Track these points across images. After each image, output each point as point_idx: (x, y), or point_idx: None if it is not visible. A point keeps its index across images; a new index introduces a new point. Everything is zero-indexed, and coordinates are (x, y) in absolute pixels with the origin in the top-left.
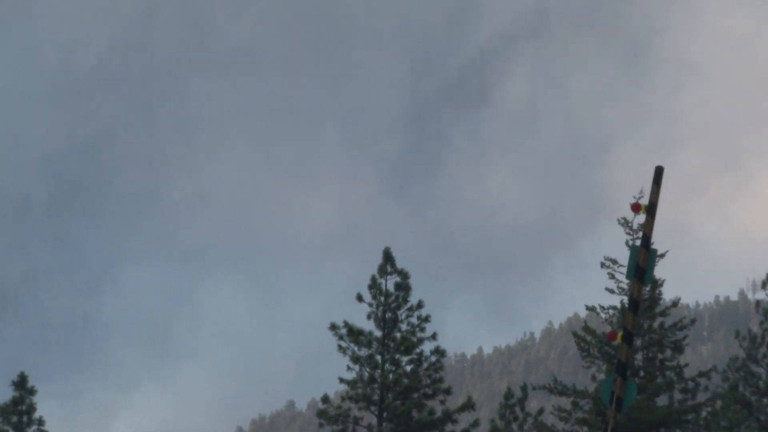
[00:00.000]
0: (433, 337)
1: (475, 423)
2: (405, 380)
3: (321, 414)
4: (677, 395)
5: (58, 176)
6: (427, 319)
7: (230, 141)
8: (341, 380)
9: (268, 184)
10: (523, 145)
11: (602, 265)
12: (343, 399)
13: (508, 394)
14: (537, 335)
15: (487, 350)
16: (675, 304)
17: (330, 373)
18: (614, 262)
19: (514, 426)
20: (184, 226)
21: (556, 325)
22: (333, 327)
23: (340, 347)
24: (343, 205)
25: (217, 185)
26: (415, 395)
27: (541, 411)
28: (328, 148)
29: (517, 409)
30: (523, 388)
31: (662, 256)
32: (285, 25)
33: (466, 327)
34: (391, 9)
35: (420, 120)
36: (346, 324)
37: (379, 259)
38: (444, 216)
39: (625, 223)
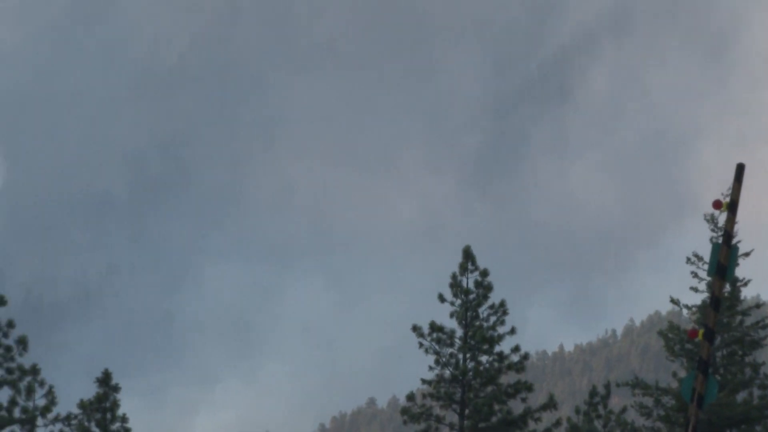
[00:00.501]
0: (512, 332)
1: (558, 423)
2: (486, 378)
3: (405, 412)
4: (756, 392)
5: (140, 173)
6: (505, 312)
7: (313, 137)
8: (423, 381)
9: (351, 180)
10: (605, 141)
11: (688, 260)
12: (424, 397)
13: (593, 392)
14: (618, 332)
15: (568, 347)
16: (758, 305)
17: (411, 370)
18: (699, 258)
19: (597, 424)
20: (267, 223)
21: (638, 323)
22: (414, 328)
23: (421, 345)
24: (425, 202)
25: (299, 182)
26: (497, 393)
27: (624, 409)
28: (411, 144)
29: (600, 407)
30: (606, 386)
31: (747, 255)
32: (367, 22)
33: (548, 324)
34: (473, 5)
35: (502, 116)
36: (431, 324)
37: (460, 255)
38: (526, 212)
39: (711, 220)
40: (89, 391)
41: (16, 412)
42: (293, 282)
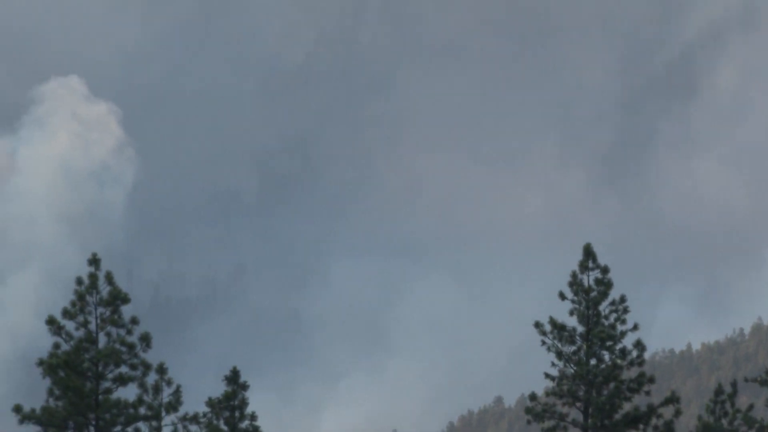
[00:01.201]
0: (635, 328)
1: (677, 413)
2: (608, 375)
3: (529, 411)
4: None
5: (267, 171)
6: (626, 309)
7: (440, 134)
8: (546, 375)
9: (479, 176)
10: (732, 136)
11: None
12: (548, 395)
13: (719, 390)
14: (746, 331)
15: (696, 346)
16: None
17: (540, 368)
18: None
19: (724, 422)
20: (394, 219)
21: (766, 321)
22: (537, 325)
23: (543, 343)
24: (553, 197)
25: (427, 178)
26: (619, 389)
27: (751, 407)
28: (537, 141)
29: (727, 405)
30: (733, 384)
31: None
32: (492, 20)
33: (675, 323)
34: (598, 3)
35: (629, 113)
36: (550, 320)
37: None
38: (654, 208)
39: None
40: (217, 389)
41: (142, 410)
42: (421, 278)
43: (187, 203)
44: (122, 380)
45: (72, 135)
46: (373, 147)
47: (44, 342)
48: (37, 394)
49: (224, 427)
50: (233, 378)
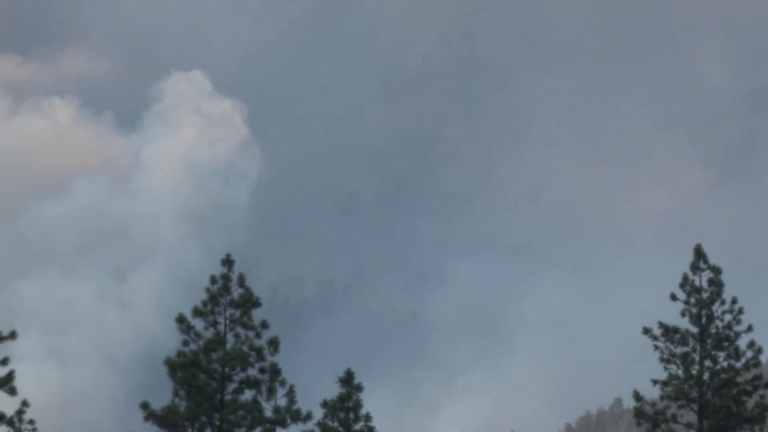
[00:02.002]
0: (749, 329)
1: None
2: (723, 376)
3: (638, 414)
4: None
5: (385, 172)
6: (741, 310)
7: (560, 133)
8: (655, 382)
9: (600, 174)
10: None
11: None
12: (661, 398)
13: None
14: None
15: None
16: None
17: (657, 369)
18: None
19: None
20: (513, 219)
21: None
22: (646, 331)
23: (656, 347)
24: (675, 195)
25: (546, 177)
26: (734, 391)
27: None
28: (658, 139)
29: None
30: None
31: None
32: (611, 17)
33: None
34: (716, 2)
35: (752, 111)
36: (660, 324)
37: (711, 250)
38: None
39: None
40: (333, 390)
41: (268, 413)
42: (540, 277)
43: (306, 204)
44: (249, 383)
45: (196, 131)
46: (492, 147)
47: (167, 340)
48: (155, 392)
49: (340, 429)
50: (347, 380)
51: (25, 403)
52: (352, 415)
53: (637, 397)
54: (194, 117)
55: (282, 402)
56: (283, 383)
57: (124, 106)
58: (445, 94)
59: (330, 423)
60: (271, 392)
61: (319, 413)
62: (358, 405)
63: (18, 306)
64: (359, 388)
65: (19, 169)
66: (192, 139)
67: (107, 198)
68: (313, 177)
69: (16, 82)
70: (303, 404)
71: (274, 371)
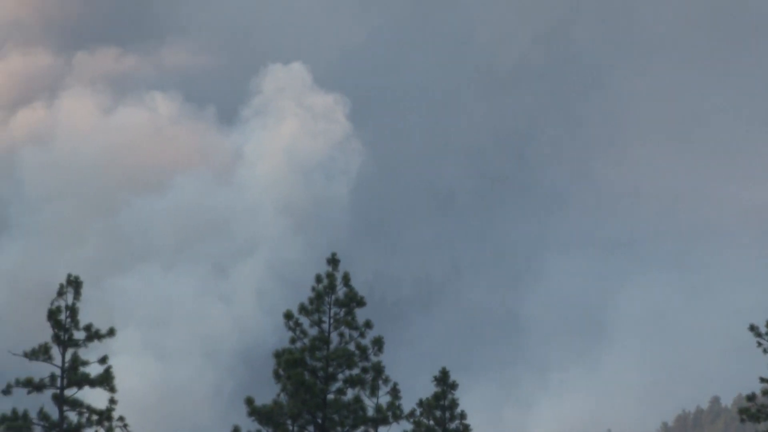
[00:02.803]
0: None
1: None
2: None
3: (743, 411)
4: None
5: (481, 171)
6: None
7: (656, 130)
8: (762, 380)
9: (696, 172)
10: None
11: None
12: (765, 394)
13: None
14: None
15: None
16: None
17: (759, 367)
18: None
19: None
20: (610, 216)
21: None
22: (752, 328)
23: (759, 344)
24: None
25: (643, 174)
26: None
27: None
28: (756, 135)
29: None
30: None
31: None
32: (707, 14)
33: None
34: None
35: None
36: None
37: None
38: None
39: None
40: (428, 389)
41: (370, 412)
42: (638, 274)
43: (403, 201)
44: (353, 382)
45: (298, 125)
46: (588, 144)
47: (267, 337)
48: (254, 388)
49: (436, 428)
50: (443, 378)
51: (113, 401)
52: (447, 414)
53: (750, 398)
54: (295, 110)
55: (385, 400)
56: (386, 381)
57: (225, 99)
58: (541, 93)
59: (426, 422)
60: (375, 390)
61: (416, 412)
62: (453, 403)
63: (117, 302)
64: (454, 386)
65: (120, 163)
66: (293, 133)
67: (208, 193)
68: (411, 174)
69: (116, 75)
70: (403, 402)
71: (378, 370)
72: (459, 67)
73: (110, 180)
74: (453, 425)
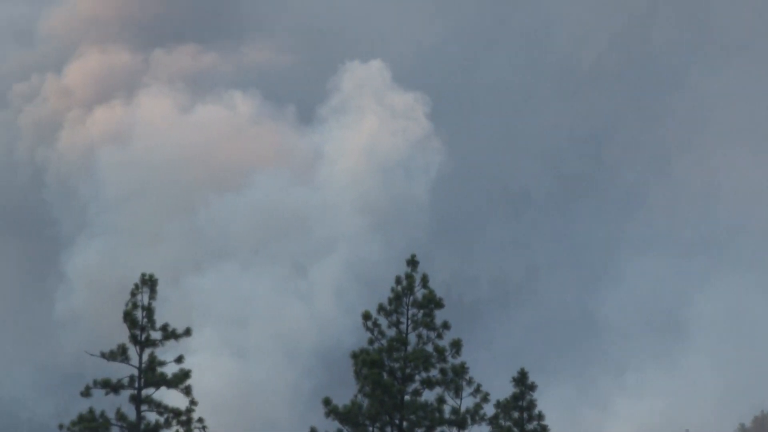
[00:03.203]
0: None
1: None
2: None
3: None
4: None
5: (557, 171)
6: None
7: (736, 130)
8: None
9: None
10: None
11: None
12: None
13: None
14: None
15: None
16: None
17: None
18: None
19: None
20: (690, 216)
21: None
22: None
23: None
24: None
25: (723, 174)
26: None
27: None
28: None
29: None
30: None
31: None
32: None
33: None
34: None
35: None
36: None
37: None
38: None
39: None
40: (507, 390)
41: (446, 413)
42: (718, 275)
43: (481, 202)
44: (430, 383)
45: (378, 123)
46: (667, 144)
47: (346, 336)
48: (332, 387)
49: (514, 429)
50: (521, 379)
51: (193, 402)
52: (525, 415)
53: None
54: (375, 108)
55: (466, 402)
56: (470, 382)
57: (304, 98)
58: (618, 93)
59: (503, 423)
60: (458, 391)
61: (489, 411)
62: (531, 404)
63: (196, 300)
64: (533, 387)
65: (198, 162)
66: (373, 132)
67: (287, 191)
68: (488, 174)
69: (194, 72)
70: (473, 403)
71: (457, 372)
72: (536, 66)
73: (188, 179)
74: (531, 426)
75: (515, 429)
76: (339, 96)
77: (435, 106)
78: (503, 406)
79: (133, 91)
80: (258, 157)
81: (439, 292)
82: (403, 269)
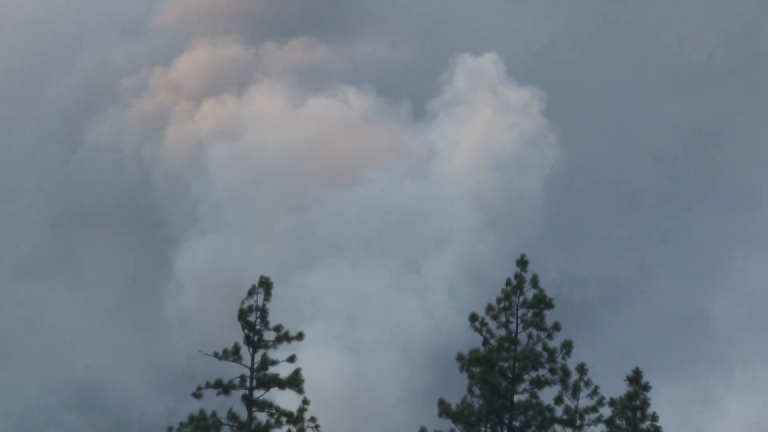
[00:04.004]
0: None
1: None
2: None
3: None
4: None
5: (669, 170)
6: None
7: None
8: None
9: None
10: None
11: None
12: None
13: None
14: None
15: None
16: None
17: None
18: None
19: None
20: None
21: None
22: None
23: None
24: None
25: None
26: None
27: None
28: None
29: None
30: None
31: None
32: None
33: None
34: None
35: None
36: None
37: None
38: None
39: None
40: (618, 389)
41: (558, 413)
42: None
43: (593, 200)
44: (540, 383)
45: (492, 118)
46: None
47: (459, 335)
48: (445, 387)
49: (627, 428)
50: (635, 378)
51: (305, 402)
52: (639, 414)
53: None
54: (489, 102)
55: (585, 402)
56: (588, 384)
57: (417, 92)
58: (730, 91)
59: (618, 422)
60: (576, 391)
61: (606, 412)
62: (645, 404)
63: (307, 297)
64: (647, 387)
65: (310, 158)
66: (487, 126)
67: (400, 187)
68: (599, 172)
69: (307, 66)
70: (588, 404)
71: (566, 373)
72: (648, 64)
73: (300, 175)
74: (644, 425)
75: (628, 428)
76: (452, 90)
77: (550, 102)
78: (617, 405)
79: (244, 85)
80: (370, 153)
81: (550, 290)
82: (514, 267)
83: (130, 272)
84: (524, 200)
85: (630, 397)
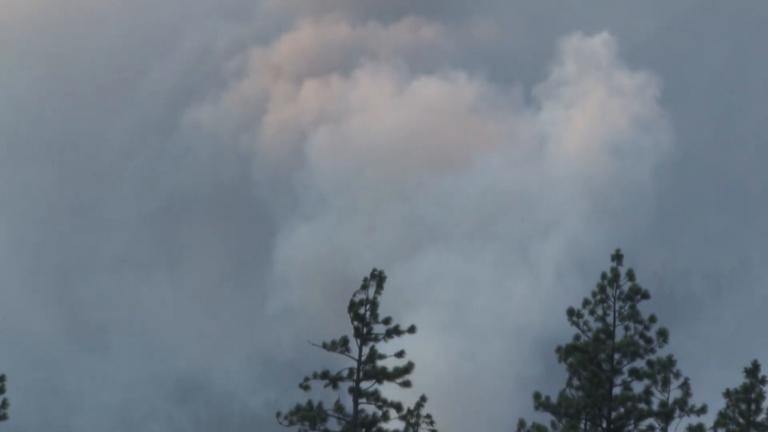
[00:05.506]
0: None
1: None
2: None
3: None
4: None
5: None
6: None
7: None
8: None
9: None
10: None
11: None
12: None
13: None
14: None
15: None
16: None
17: None
18: None
19: None
20: None
21: None
22: None
23: None
24: None
25: None
26: None
27: None
28: None
29: None
30: None
31: None
32: None
33: None
34: None
35: None
36: None
37: None
38: None
39: None
40: (721, 383)
41: (654, 406)
42: None
43: (699, 192)
44: (638, 375)
45: (606, 101)
46: None
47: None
48: (548, 377)
49: (740, 420)
50: (753, 371)
51: (423, 398)
52: (753, 407)
53: None
54: (602, 86)
55: (675, 394)
56: (677, 375)
57: (528, 76)
58: None
59: (731, 414)
60: (666, 384)
61: (714, 406)
62: (760, 397)
63: (413, 284)
64: (763, 380)
65: (418, 144)
66: (600, 110)
67: (508, 172)
68: (708, 164)
69: (414, 49)
70: (694, 395)
71: (663, 363)
72: (750, 56)
73: (407, 161)
74: (759, 418)
75: (741, 420)
76: (563, 71)
77: (666, 88)
78: (732, 397)
79: (348, 67)
80: (479, 138)
81: (652, 285)
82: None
83: (231, 263)
84: (634, 187)
85: (746, 389)
